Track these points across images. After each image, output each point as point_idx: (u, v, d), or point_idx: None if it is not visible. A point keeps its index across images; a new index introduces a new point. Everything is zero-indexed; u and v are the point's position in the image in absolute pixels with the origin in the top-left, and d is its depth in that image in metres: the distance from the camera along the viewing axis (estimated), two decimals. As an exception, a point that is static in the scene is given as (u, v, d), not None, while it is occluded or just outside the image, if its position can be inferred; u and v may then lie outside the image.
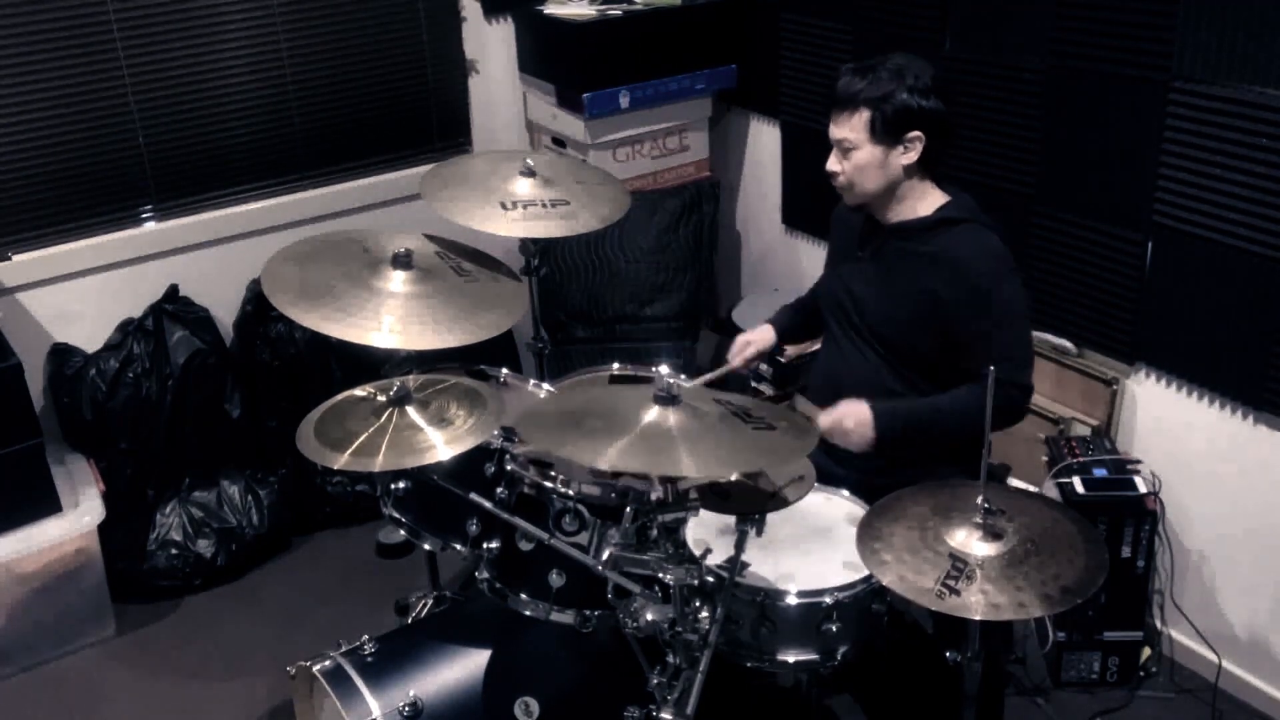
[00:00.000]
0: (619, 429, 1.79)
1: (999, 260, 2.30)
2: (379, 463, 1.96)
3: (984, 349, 2.26)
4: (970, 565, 1.82)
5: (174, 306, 3.26)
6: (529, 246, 2.75)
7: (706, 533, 2.14)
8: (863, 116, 2.29)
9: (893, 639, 2.17)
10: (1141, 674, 2.82)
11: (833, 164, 2.37)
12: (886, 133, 2.29)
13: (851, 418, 2.29)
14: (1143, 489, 2.67)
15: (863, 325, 2.44)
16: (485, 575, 2.20)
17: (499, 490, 2.15)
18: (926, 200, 2.37)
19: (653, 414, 1.82)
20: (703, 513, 1.95)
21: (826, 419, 2.30)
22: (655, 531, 1.94)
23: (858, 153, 2.32)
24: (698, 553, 1.98)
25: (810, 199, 3.61)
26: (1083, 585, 1.79)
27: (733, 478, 2.00)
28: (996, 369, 2.15)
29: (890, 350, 2.40)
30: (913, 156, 2.31)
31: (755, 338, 2.65)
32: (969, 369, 2.27)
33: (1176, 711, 2.74)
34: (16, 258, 3.13)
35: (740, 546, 1.97)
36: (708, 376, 2.62)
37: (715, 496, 2.00)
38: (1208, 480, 2.72)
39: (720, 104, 3.84)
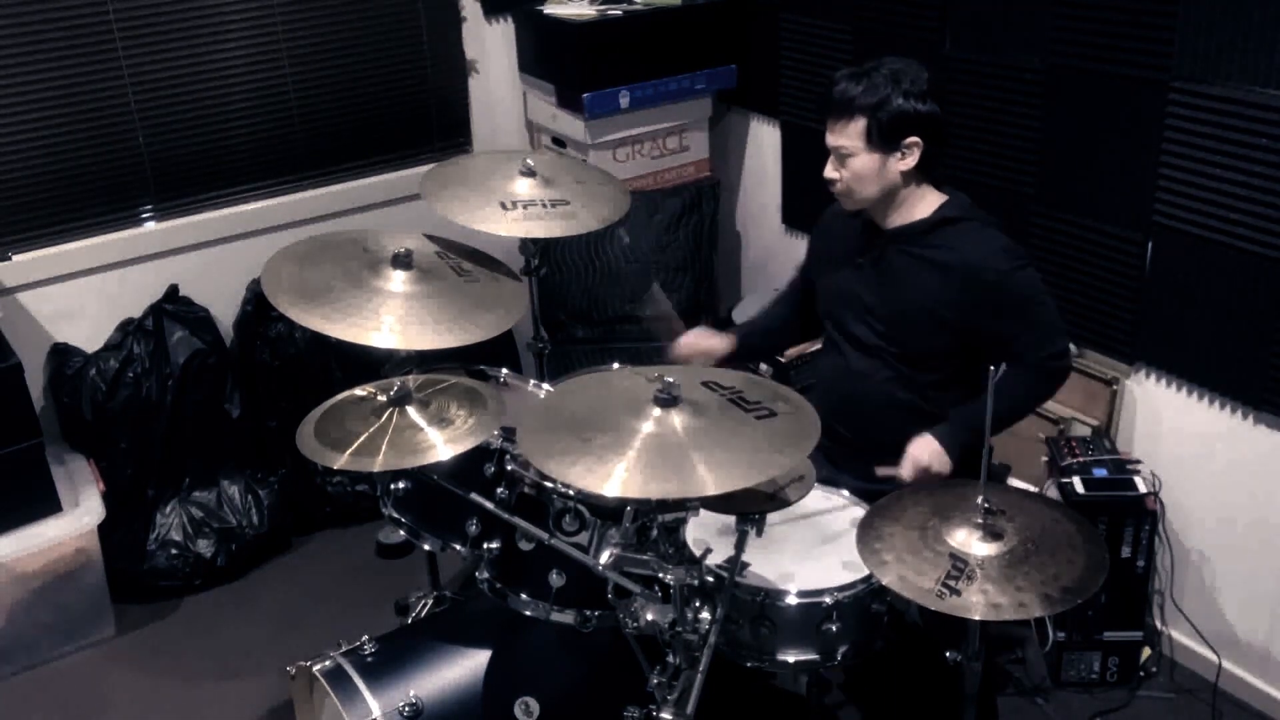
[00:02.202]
0: (622, 443, 1.78)
1: (1006, 255, 2.31)
2: (379, 463, 1.97)
3: (1024, 338, 2.31)
4: (970, 565, 1.82)
5: (174, 306, 3.26)
6: (529, 246, 2.75)
7: (706, 533, 2.14)
8: (859, 124, 2.27)
9: (892, 639, 2.17)
10: (1141, 674, 2.82)
11: (830, 171, 2.35)
12: (884, 139, 2.27)
13: (926, 454, 2.28)
14: (1143, 489, 2.67)
15: (869, 334, 2.42)
16: (485, 575, 2.20)
17: (499, 490, 2.15)
18: (925, 202, 2.37)
19: (656, 418, 1.82)
20: (703, 513, 1.95)
21: (907, 470, 2.29)
22: (655, 531, 1.94)
23: (855, 160, 2.30)
24: (698, 553, 1.98)
25: (810, 199, 3.59)
26: (1083, 585, 1.79)
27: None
28: (1039, 349, 2.32)
29: (900, 357, 2.39)
30: (911, 162, 2.30)
31: (716, 343, 2.58)
32: (1012, 357, 2.30)
33: (1176, 711, 2.74)
34: (16, 258, 3.13)
35: (740, 546, 1.97)
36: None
37: (715, 496, 1.99)
38: (1208, 480, 2.72)
39: (720, 104, 3.84)
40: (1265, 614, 2.69)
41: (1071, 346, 2.85)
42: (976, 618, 1.75)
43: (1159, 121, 2.55)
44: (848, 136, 2.29)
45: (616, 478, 1.73)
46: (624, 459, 1.75)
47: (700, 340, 2.59)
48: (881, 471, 2.32)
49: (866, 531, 1.95)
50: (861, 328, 2.43)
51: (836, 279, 2.51)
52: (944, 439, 2.30)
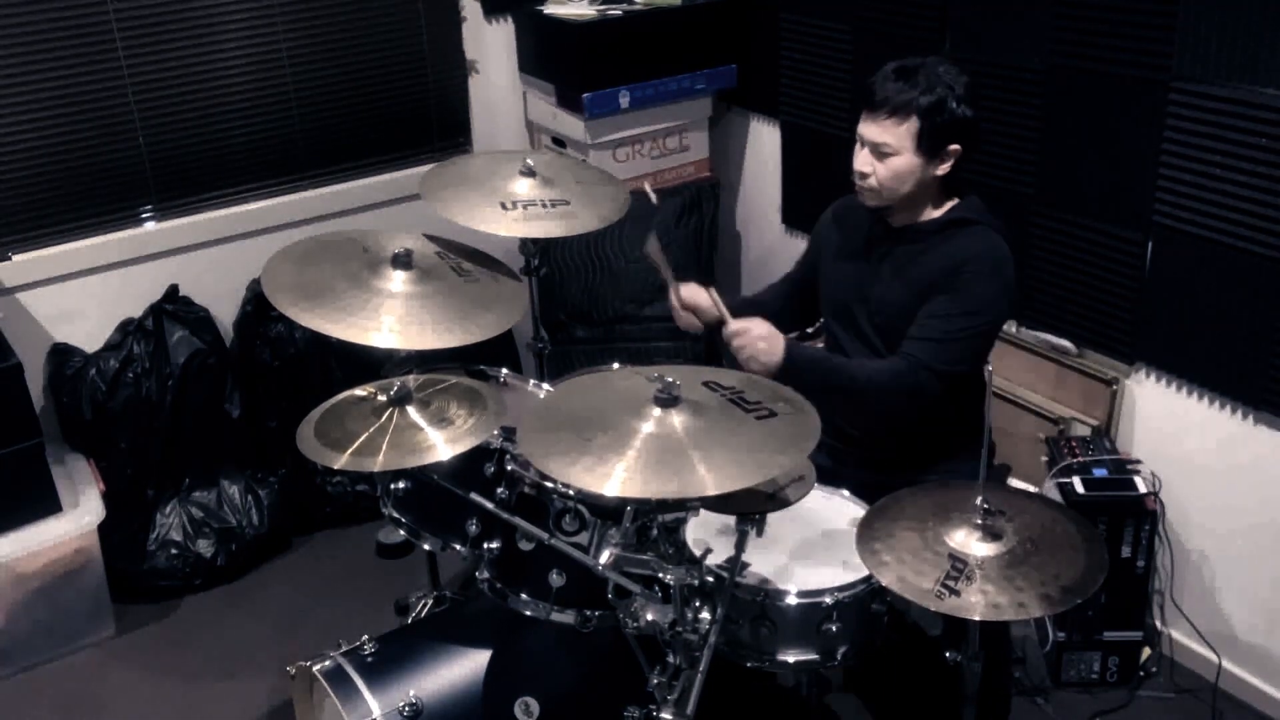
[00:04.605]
0: (622, 443, 1.78)
1: (995, 261, 2.28)
2: (379, 463, 1.97)
3: (924, 323, 2.26)
4: (970, 565, 1.82)
5: (174, 306, 3.26)
6: (529, 246, 2.75)
7: (706, 533, 2.14)
8: (911, 125, 2.22)
9: (893, 639, 2.17)
10: (1141, 674, 2.82)
11: (864, 165, 2.29)
12: (932, 144, 2.23)
13: (765, 340, 2.24)
14: (1143, 489, 2.67)
15: (874, 329, 2.41)
16: (485, 575, 2.20)
17: (499, 490, 2.15)
18: (939, 203, 2.36)
19: (656, 418, 1.82)
20: (703, 513, 1.95)
21: (737, 324, 2.26)
22: (655, 531, 1.94)
23: (897, 159, 2.25)
24: (698, 553, 1.98)
25: (810, 199, 3.61)
26: (1083, 585, 1.80)
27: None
28: (922, 345, 2.23)
29: (889, 348, 2.39)
30: (947, 168, 2.27)
31: (704, 299, 2.47)
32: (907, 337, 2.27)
33: (1176, 711, 2.74)
34: (16, 258, 3.13)
35: (740, 546, 1.97)
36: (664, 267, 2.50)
37: (715, 497, 1.99)
38: (1207, 480, 2.72)
39: (720, 104, 3.84)
40: (1265, 614, 2.69)
41: (1071, 345, 2.87)
42: (976, 618, 1.75)
43: (1159, 121, 2.55)
44: (896, 136, 2.23)
45: (616, 478, 1.73)
46: (624, 459, 1.75)
47: (697, 294, 2.48)
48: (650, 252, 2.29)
49: (866, 532, 1.95)
50: (866, 323, 2.43)
51: (843, 275, 2.49)
52: (791, 347, 2.25)
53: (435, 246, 2.54)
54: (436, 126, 3.70)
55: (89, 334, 3.24)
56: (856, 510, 2.26)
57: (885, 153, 2.26)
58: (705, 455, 1.76)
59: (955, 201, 2.35)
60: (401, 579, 3.18)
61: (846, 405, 2.29)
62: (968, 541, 1.87)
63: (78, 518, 2.97)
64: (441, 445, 1.99)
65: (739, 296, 2.73)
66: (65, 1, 3.02)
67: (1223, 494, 2.70)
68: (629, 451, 1.77)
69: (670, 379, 1.85)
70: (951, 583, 1.79)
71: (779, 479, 2.01)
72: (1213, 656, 2.78)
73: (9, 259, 3.12)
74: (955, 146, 2.26)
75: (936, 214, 2.34)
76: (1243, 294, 2.49)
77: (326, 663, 2.17)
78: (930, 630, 2.24)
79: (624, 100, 3.49)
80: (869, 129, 2.27)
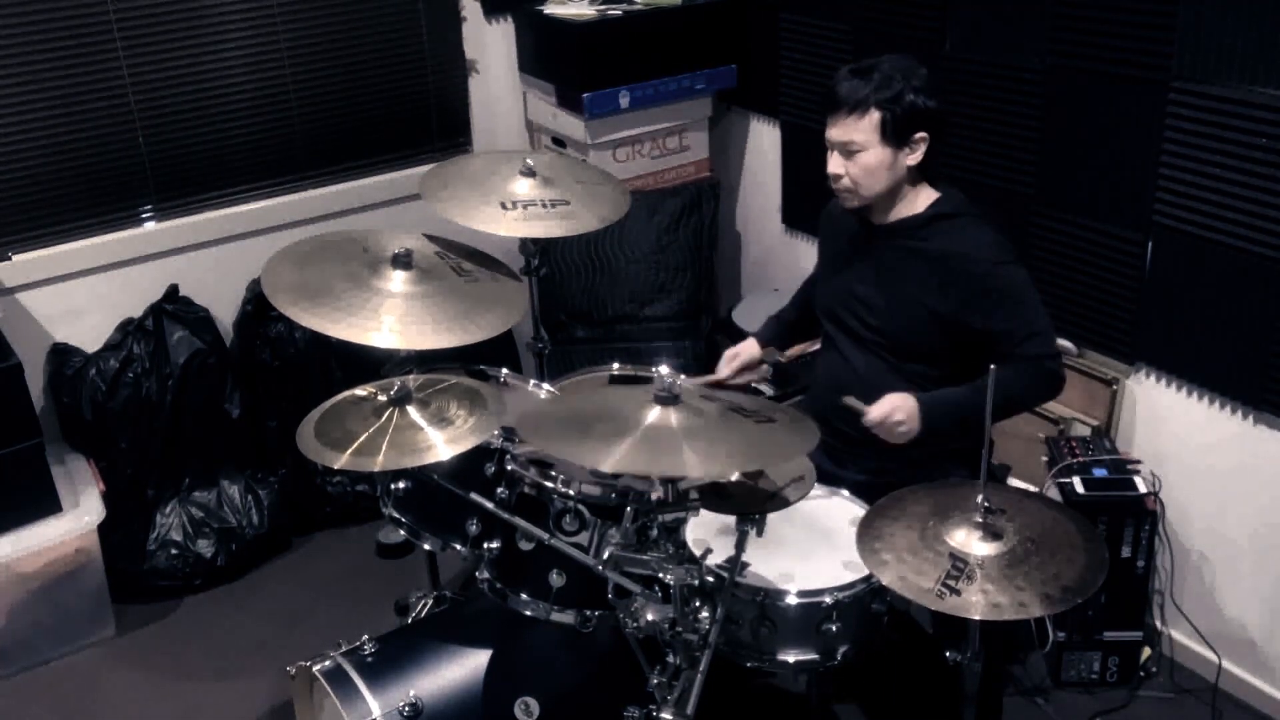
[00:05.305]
0: (622, 430, 1.79)
1: (996, 249, 2.32)
2: (379, 463, 1.96)
3: (1011, 334, 2.30)
4: (970, 565, 1.82)
5: (174, 306, 3.26)
6: (529, 246, 2.75)
7: (706, 533, 2.14)
8: (873, 118, 2.27)
9: (893, 639, 2.17)
10: (1141, 674, 2.82)
11: (835, 167, 2.34)
12: (897, 134, 2.28)
13: (903, 410, 2.27)
14: (1143, 489, 2.67)
15: (864, 328, 2.43)
16: (485, 575, 2.21)
17: (499, 490, 2.15)
18: (920, 198, 2.38)
19: (655, 414, 1.83)
20: (703, 513, 1.95)
21: (877, 413, 2.28)
22: (655, 531, 1.95)
23: (866, 155, 2.30)
24: (698, 553, 1.98)
25: (810, 199, 3.60)
26: (1083, 585, 1.80)
27: (734, 476, 2.01)
28: (1029, 346, 2.29)
29: (894, 350, 2.40)
30: (918, 157, 2.31)
31: (741, 350, 2.63)
32: (1001, 355, 2.27)
33: (1176, 711, 2.74)
34: (16, 258, 3.13)
35: (740, 546, 1.97)
36: (695, 380, 2.60)
37: (715, 496, 2.00)
38: (1208, 480, 2.72)
39: (720, 104, 3.84)
40: (1265, 614, 2.69)
41: (1071, 345, 2.87)
42: (976, 618, 1.75)
43: (1159, 121, 2.55)
44: (860, 131, 2.28)
45: (614, 455, 1.74)
46: (623, 444, 1.76)
47: (734, 355, 2.61)
48: (848, 400, 2.31)
49: (866, 531, 1.95)
50: (856, 322, 2.44)
51: (834, 275, 2.53)
52: (924, 409, 2.28)
53: (435, 246, 2.54)
54: (436, 126, 3.70)
55: (89, 334, 3.24)
56: (856, 510, 2.26)
57: (853, 150, 2.30)
58: (705, 448, 1.76)
59: (938, 195, 2.37)
60: (401, 579, 3.18)
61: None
62: (968, 541, 1.87)
63: (78, 518, 2.97)
64: (441, 445, 1.98)
65: (766, 324, 2.77)
66: (65, 1, 3.02)
67: (1223, 494, 2.70)
68: (627, 439, 1.78)
69: (670, 378, 1.86)
70: (952, 582, 1.79)
71: (779, 479, 2.01)
72: (1213, 656, 2.78)
73: (9, 259, 3.12)
74: (922, 134, 2.29)
75: (919, 209, 2.36)
76: (1243, 294, 2.49)
77: (326, 663, 2.17)
78: (930, 627, 2.24)
79: (624, 100, 3.49)
80: (834, 131, 2.33)
